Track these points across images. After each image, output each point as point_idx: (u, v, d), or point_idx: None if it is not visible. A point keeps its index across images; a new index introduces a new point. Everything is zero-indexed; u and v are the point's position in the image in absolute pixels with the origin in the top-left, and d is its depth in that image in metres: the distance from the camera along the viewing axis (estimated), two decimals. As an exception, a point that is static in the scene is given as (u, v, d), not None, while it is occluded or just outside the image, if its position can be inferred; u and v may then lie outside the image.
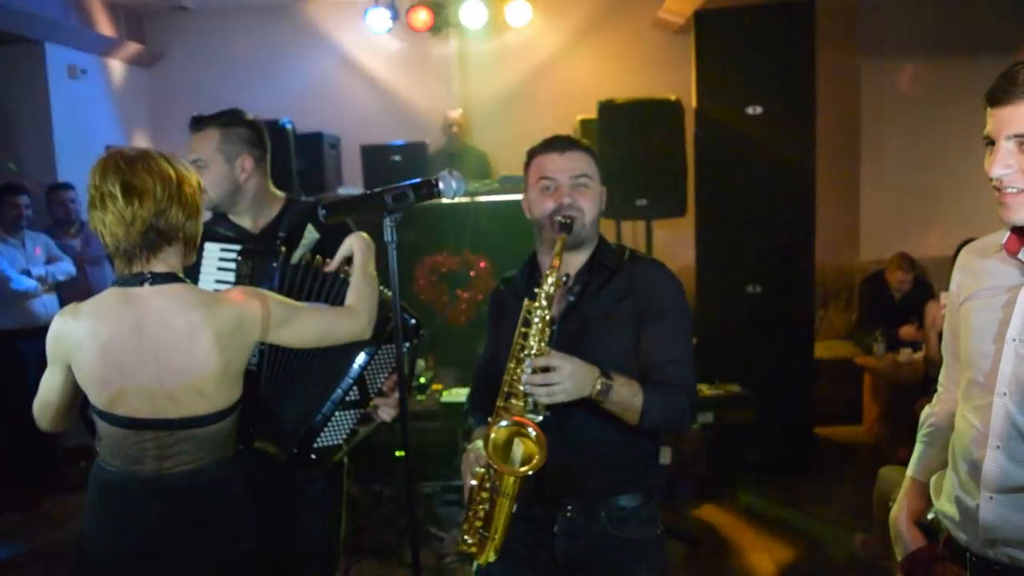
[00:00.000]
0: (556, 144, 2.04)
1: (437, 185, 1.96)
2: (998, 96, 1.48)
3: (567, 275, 1.99)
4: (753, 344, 4.79)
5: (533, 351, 1.82)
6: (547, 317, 1.84)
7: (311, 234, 2.32)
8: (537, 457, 1.77)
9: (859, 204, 6.78)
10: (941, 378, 1.93)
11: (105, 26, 6.23)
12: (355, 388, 2.29)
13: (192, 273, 2.31)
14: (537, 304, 1.85)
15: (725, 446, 4.71)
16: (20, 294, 4.77)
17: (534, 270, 2.11)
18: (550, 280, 1.85)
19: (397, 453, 4.17)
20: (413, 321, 2.36)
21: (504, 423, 1.82)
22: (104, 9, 6.24)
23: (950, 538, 1.68)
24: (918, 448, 1.92)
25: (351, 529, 4.05)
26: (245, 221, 2.43)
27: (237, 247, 2.28)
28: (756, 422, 4.68)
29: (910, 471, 1.91)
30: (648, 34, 6.63)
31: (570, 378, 1.77)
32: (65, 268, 5.01)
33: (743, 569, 3.89)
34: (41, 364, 5.44)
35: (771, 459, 4.86)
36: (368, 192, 1.96)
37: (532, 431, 1.79)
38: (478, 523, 1.89)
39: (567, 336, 1.95)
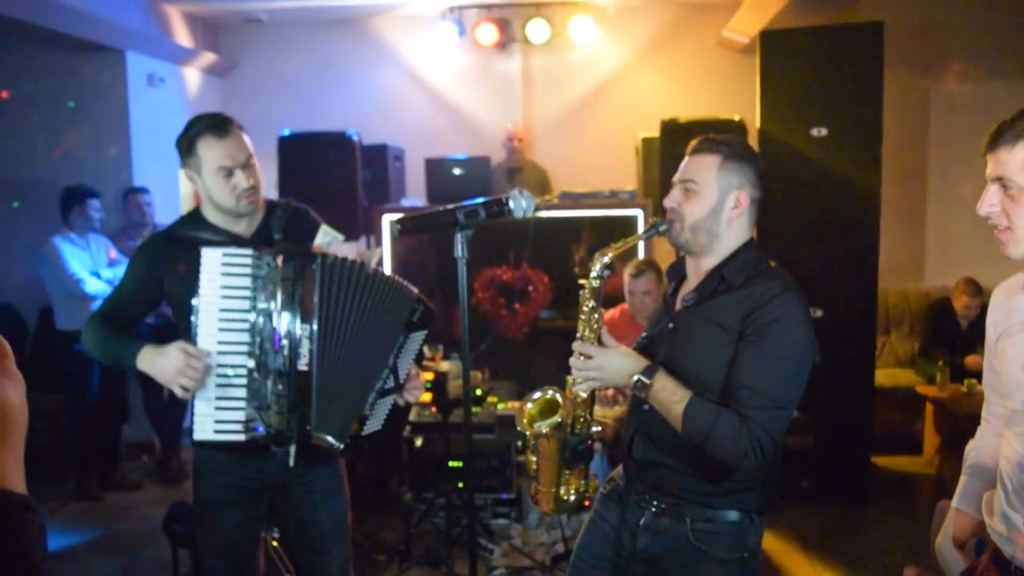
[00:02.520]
0: (692, 146, 2.04)
1: (507, 204, 2.00)
2: (990, 144, 1.68)
3: (610, 265, 1.99)
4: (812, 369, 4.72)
5: (581, 335, 1.98)
6: (591, 305, 1.97)
7: (328, 236, 2.40)
8: (559, 415, 2.08)
9: (925, 229, 6.66)
10: (984, 412, 2.04)
11: (183, 36, 6.45)
12: (390, 376, 2.40)
13: (188, 283, 2.26)
14: (586, 292, 1.98)
15: (780, 471, 4.64)
16: (89, 297, 4.94)
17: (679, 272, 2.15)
18: (595, 270, 1.96)
19: (451, 463, 4.23)
20: (424, 309, 2.42)
21: (537, 394, 2.14)
22: (183, 20, 6.46)
23: (996, 551, 1.76)
24: (963, 480, 2.05)
25: (402, 536, 4.12)
26: (236, 225, 2.40)
27: (245, 251, 2.26)
28: (813, 448, 4.62)
29: (955, 502, 2.05)
30: (712, 53, 6.61)
31: (597, 369, 1.92)
32: None
33: (795, 596, 3.84)
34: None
35: (827, 487, 4.78)
36: (441, 209, 2.02)
37: (555, 394, 2.12)
38: (532, 476, 2.19)
39: (674, 339, 1.99)
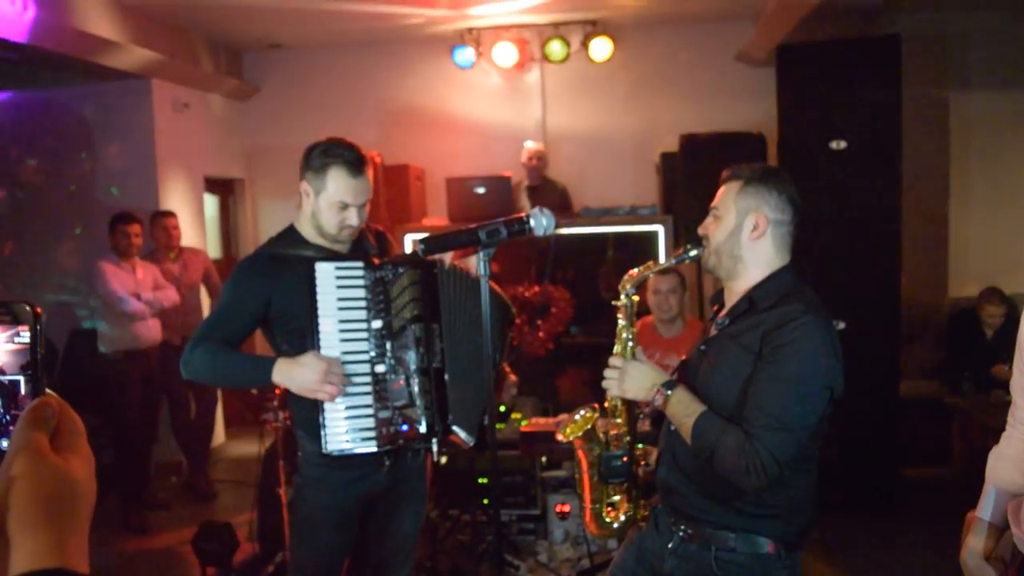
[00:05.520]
0: (722, 177, 2.12)
1: (528, 222, 2.04)
2: None
3: (631, 286, 2.11)
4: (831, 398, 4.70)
5: (614, 351, 2.09)
6: (622, 323, 2.09)
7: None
8: (591, 424, 2.15)
9: (948, 239, 6.61)
10: (1009, 418, 1.97)
11: (207, 62, 6.56)
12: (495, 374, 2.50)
13: (300, 298, 2.29)
14: (618, 312, 2.11)
15: (815, 505, 4.61)
16: (128, 315, 5.00)
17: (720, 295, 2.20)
18: (626, 289, 2.08)
19: (476, 480, 4.24)
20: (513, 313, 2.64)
21: (582, 411, 2.18)
22: (206, 47, 6.58)
23: None
24: (987, 489, 1.97)
25: (428, 552, 4.14)
26: (334, 245, 2.44)
27: (356, 263, 2.34)
28: (840, 460, 4.59)
29: (979, 511, 1.96)
30: (730, 67, 6.63)
31: (617, 380, 2.04)
32: (171, 296, 5.24)
33: (824, 611, 3.81)
34: (143, 384, 5.62)
35: (854, 497, 4.75)
36: (464, 228, 2.05)
37: (595, 412, 2.15)
38: (578, 495, 2.23)
39: (703, 361, 2.04)
